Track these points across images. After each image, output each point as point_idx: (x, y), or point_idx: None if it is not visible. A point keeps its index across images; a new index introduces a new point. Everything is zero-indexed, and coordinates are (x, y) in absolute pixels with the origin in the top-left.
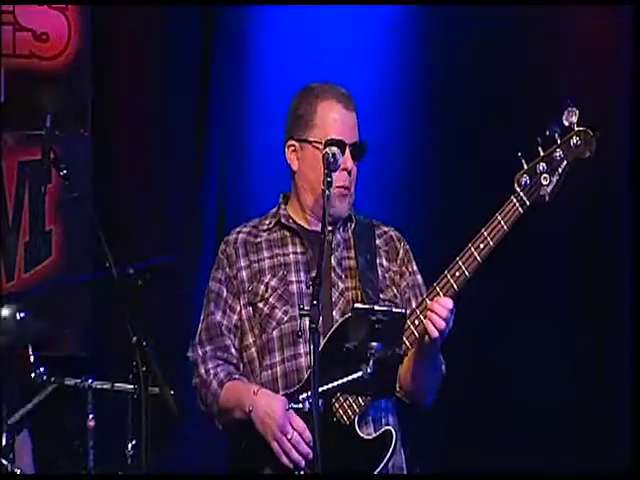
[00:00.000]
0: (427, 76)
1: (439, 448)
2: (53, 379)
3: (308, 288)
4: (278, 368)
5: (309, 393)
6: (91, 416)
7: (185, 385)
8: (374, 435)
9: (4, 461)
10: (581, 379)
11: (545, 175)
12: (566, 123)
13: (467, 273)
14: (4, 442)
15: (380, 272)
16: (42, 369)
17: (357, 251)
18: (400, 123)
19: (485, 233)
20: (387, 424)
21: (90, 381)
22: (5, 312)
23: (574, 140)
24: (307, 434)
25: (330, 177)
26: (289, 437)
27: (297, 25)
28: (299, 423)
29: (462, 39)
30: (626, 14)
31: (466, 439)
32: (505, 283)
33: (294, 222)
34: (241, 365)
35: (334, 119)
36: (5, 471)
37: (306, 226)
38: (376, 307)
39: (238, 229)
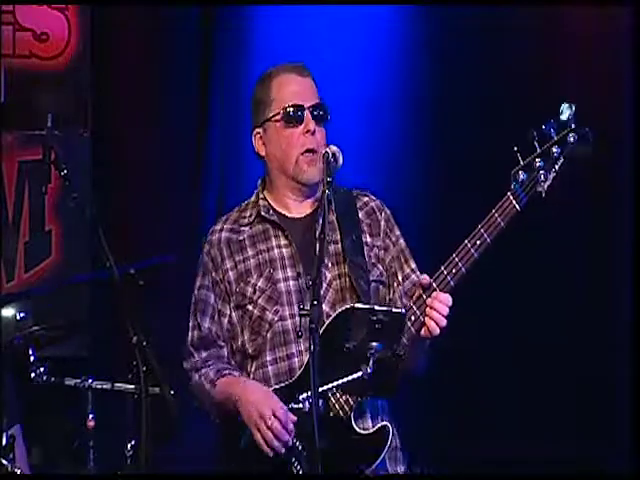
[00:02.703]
0: (427, 76)
1: (439, 448)
2: (53, 379)
3: (308, 289)
4: (270, 368)
5: (309, 393)
6: (91, 416)
7: (185, 385)
8: (371, 430)
9: (4, 461)
10: (581, 380)
11: (542, 172)
12: (563, 118)
13: (464, 269)
14: (4, 442)
15: (366, 251)
16: (42, 369)
17: (343, 233)
18: (399, 123)
19: (482, 230)
20: (383, 420)
21: (90, 381)
22: (5, 312)
23: (571, 137)
24: (290, 424)
25: (330, 177)
26: (269, 424)
27: (297, 25)
28: (281, 411)
29: (462, 39)
30: (626, 14)
31: (466, 439)
32: (508, 281)
33: (275, 212)
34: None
35: (289, 88)
36: (5, 471)
37: (287, 214)
38: (376, 307)
39: (219, 226)
